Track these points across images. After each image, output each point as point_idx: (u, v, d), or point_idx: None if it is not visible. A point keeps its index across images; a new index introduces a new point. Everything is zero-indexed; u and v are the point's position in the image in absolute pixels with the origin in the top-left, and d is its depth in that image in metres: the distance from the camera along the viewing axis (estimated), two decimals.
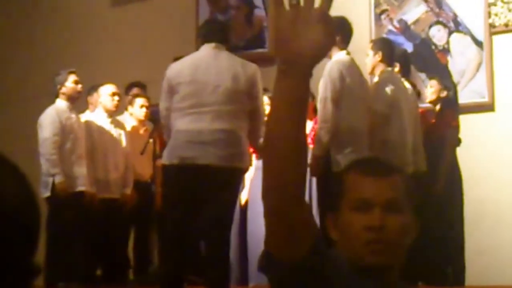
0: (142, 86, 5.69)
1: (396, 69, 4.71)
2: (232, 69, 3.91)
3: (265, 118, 4.68)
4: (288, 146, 1.40)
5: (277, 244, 1.47)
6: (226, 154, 3.79)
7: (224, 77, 3.88)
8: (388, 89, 4.45)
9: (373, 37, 5.52)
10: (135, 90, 5.66)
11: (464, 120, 5.14)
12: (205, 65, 3.91)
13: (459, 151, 5.02)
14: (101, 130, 5.16)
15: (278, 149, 1.40)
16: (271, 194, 1.43)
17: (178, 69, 3.96)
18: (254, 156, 5.07)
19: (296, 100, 1.40)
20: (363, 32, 5.56)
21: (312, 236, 1.47)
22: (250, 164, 4.29)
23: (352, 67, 4.25)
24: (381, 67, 4.55)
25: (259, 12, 6.39)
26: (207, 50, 3.99)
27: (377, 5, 5.99)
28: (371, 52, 4.58)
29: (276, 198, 1.43)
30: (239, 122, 3.88)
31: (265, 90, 4.41)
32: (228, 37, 4.21)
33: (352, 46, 4.42)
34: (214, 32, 4.06)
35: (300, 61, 1.38)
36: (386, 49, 4.61)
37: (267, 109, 4.98)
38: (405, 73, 4.83)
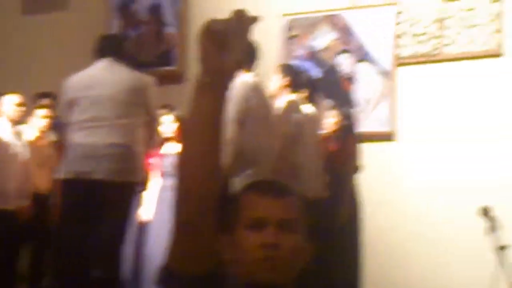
0: (53, 96, 5.59)
1: (302, 94, 4.75)
2: (127, 83, 3.95)
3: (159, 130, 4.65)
4: (203, 161, 1.46)
5: (182, 257, 1.51)
6: (120, 168, 3.80)
7: (119, 90, 3.91)
8: (293, 114, 4.48)
9: (282, 61, 5.56)
10: (44, 100, 5.59)
11: (367, 148, 5.22)
12: (101, 79, 3.95)
13: (361, 178, 5.09)
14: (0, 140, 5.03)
15: (193, 163, 1.46)
16: (184, 207, 1.48)
17: (74, 83, 4.00)
18: (155, 174, 5.03)
19: (216, 113, 1.46)
20: (272, 56, 5.60)
21: (218, 252, 1.52)
22: (146, 179, 4.31)
23: (258, 89, 4.27)
24: (287, 92, 4.58)
25: (170, 30, 6.37)
26: (103, 64, 4.03)
27: (287, 30, 6.05)
28: (278, 77, 4.62)
29: (188, 211, 1.48)
30: (134, 135, 3.91)
31: (167, 107, 4.39)
32: (123, 52, 4.23)
33: (260, 68, 4.44)
34: (110, 46, 4.10)
35: (224, 73, 1.45)
36: (293, 74, 4.66)
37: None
38: (311, 99, 4.88)
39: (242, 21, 1.45)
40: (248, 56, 4.25)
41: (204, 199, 1.48)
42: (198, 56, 1.47)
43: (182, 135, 1.31)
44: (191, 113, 1.48)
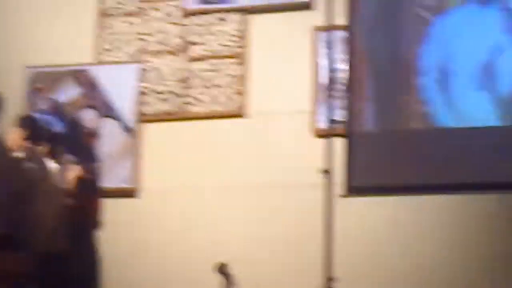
0: None
1: (43, 148, 4.64)
2: None
3: None
4: None
5: None
6: None
7: None
8: (31, 168, 4.36)
9: (25, 113, 5.39)
10: None
11: (110, 204, 5.16)
12: None
13: (102, 233, 5.02)
14: None
15: None
16: None
17: None
18: None
19: None
20: (15, 108, 5.42)
21: None
22: None
23: None
24: (25, 145, 4.45)
25: None
26: None
27: (31, 82, 5.91)
28: (16, 129, 4.48)
29: None
30: None
31: None
32: None
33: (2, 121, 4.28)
34: None
35: None
36: (33, 127, 4.54)
37: None
38: (52, 152, 4.77)
39: None
40: None
41: None
42: None
43: None
44: None
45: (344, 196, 4.53)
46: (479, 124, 4.34)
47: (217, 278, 3.95)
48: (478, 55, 4.33)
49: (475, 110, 4.33)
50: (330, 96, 4.78)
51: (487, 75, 4.30)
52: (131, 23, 5.88)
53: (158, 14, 5.83)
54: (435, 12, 4.48)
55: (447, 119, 4.39)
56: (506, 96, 4.31)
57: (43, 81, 5.91)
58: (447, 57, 4.42)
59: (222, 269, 3.99)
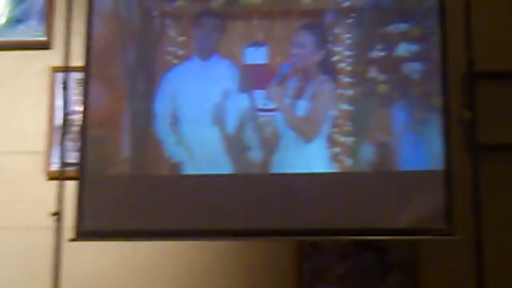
0: None
1: None
2: None
3: None
4: None
5: None
6: None
7: None
8: None
9: None
10: None
11: None
12: None
13: None
14: None
15: None
16: None
17: None
18: None
19: None
20: None
21: None
22: None
23: None
24: None
25: None
26: None
27: None
28: None
29: None
30: None
31: None
32: None
33: None
34: None
35: None
36: None
37: None
38: None
39: None
40: None
41: None
42: None
43: None
44: None
45: (73, 240, 4.46)
46: (213, 170, 4.47)
47: None
48: (209, 100, 4.51)
49: (206, 144, 4.47)
50: (64, 138, 4.70)
51: (217, 115, 4.46)
52: None
53: None
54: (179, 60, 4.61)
55: (187, 166, 4.49)
56: (232, 133, 4.48)
57: None
58: (180, 102, 4.55)
59: None
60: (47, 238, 4.55)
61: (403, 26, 4.49)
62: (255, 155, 4.44)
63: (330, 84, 4.43)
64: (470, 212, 4.27)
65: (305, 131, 4.40)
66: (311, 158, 4.39)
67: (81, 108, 4.65)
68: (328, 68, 4.47)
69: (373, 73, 4.45)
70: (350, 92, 4.43)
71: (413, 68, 4.46)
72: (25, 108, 5.38)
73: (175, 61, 4.59)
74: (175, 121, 4.48)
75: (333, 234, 4.40)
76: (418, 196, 4.33)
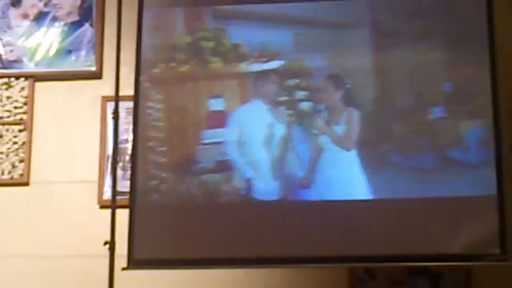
0: None
1: None
2: None
3: None
4: None
5: None
6: None
7: None
8: None
9: None
10: None
11: None
12: None
13: None
14: None
15: None
16: None
17: None
18: None
19: None
20: None
21: None
22: None
23: None
24: None
25: None
26: None
27: None
28: None
29: None
30: None
31: None
32: None
33: None
34: None
35: None
36: None
37: None
38: None
39: None
40: None
41: None
42: None
43: None
44: None
45: (126, 268, 4.49)
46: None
47: None
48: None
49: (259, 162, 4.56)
50: (115, 167, 4.75)
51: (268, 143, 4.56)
52: None
53: None
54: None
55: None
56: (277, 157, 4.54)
57: None
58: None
59: None
60: (101, 267, 4.57)
61: None
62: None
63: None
64: None
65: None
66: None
67: (131, 137, 4.70)
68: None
69: None
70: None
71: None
72: (77, 137, 5.45)
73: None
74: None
75: (386, 261, 4.37)
76: (471, 221, 4.28)
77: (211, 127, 4.65)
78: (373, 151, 4.48)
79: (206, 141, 4.63)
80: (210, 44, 4.75)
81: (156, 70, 4.73)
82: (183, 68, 4.73)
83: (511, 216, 4.28)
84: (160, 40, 4.78)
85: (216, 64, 4.72)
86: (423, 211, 4.34)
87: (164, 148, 4.65)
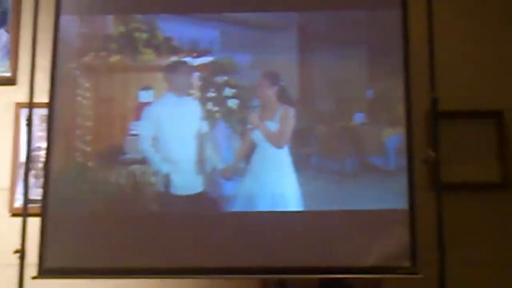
0: None
1: None
2: None
3: None
4: None
5: None
6: None
7: None
8: None
9: None
10: None
11: None
12: None
13: None
14: None
15: None
16: None
17: None
18: None
19: None
20: None
21: None
22: None
23: None
24: None
25: None
26: None
27: None
28: None
29: None
30: None
31: None
32: None
33: None
34: None
35: None
36: None
37: None
38: None
39: None
40: None
41: None
42: None
43: None
44: None
45: (36, 277, 4.40)
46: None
47: None
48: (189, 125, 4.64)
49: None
50: (27, 174, 4.65)
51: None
52: None
53: None
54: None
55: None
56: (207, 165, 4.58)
57: None
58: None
59: None
60: (10, 275, 4.48)
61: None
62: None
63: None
64: (434, 250, 4.29)
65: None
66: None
67: (44, 145, 4.62)
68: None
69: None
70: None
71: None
72: None
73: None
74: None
75: (300, 273, 4.40)
76: (383, 235, 4.35)
77: (139, 119, 4.64)
78: (298, 151, 4.53)
79: (134, 132, 4.62)
80: (144, 36, 4.72)
81: (86, 59, 4.69)
82: (114, 58, 4.69)
83: (421, 230, 4.36)
84: (90, 29, 4.73)
85: (149, 55, 4.70)
86: (338, 223, 4.39)
87: (90, 137, 4.61)
